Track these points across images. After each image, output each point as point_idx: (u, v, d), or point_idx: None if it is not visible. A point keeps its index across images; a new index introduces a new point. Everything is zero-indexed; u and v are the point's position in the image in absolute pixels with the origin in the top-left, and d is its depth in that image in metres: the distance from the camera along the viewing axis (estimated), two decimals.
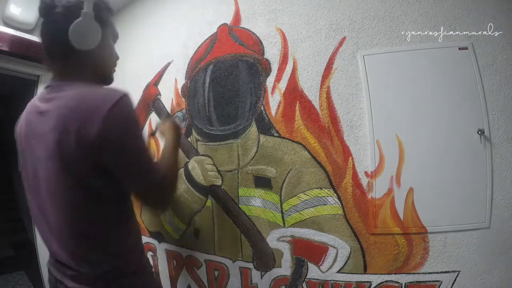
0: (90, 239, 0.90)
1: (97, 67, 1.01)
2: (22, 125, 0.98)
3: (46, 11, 0.92)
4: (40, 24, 0.95)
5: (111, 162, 0.84)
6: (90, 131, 0.77)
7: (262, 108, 1.52)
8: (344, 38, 1.38)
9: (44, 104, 0.90)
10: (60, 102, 0.85)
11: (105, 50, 1.03)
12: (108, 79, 1.08)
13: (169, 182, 1.03)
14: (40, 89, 2.40)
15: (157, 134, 1.47)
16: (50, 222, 0.91)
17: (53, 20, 0.91)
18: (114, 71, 1.12)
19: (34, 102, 0.96)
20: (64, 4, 0.90)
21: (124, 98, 0.84)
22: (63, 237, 0.90)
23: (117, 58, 1.12)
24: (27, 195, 0.99)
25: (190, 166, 1.75)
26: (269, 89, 1.52)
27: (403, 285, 1.17)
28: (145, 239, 1.97)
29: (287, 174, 1.41)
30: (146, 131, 2.04)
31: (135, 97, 2.21)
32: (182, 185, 1.77)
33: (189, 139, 1.79)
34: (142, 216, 2.03)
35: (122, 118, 0.83)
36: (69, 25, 0.87)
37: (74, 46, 0.89)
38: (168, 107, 1.96)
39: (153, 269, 1.13)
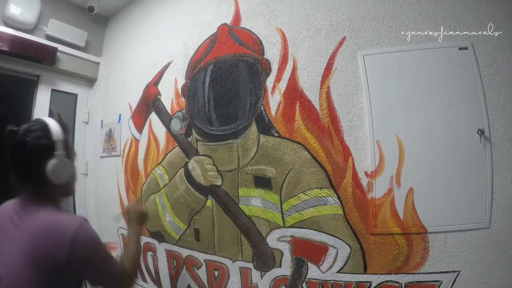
0: None
1: (65, 188, 1.10)
2: None
3: (17, 145, 0.98)
4: (10, 153, 1.00)
5: (84, 274, 0.99)
6: (62, 254, 0.89)
7: (262, 108, 1.52)
8: (344, 38, 1.38)
9: (18, 219, 0.98)
10: (32, 225, 0.94)
11: (73, 173, 1.12)
12: (71, 193, 1.19)
13: (133, 272, 1.21)
14: (40, 89, 2.41)
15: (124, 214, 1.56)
16: None
17: (28, 156, 0.98)
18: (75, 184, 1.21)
19: (8, 210, 1.03)
20: (35, 143, 0.97)
21: (83, 223, 0.96)
22: None
23: (76, 175, 1.20)
24: None
25: (190, 166, 1.75)
26: (269, 89, 1.52)
27: (403, 285, 1.17)
28: (145, 239, 1.97)
29: (287, 174, 1.41)
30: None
31: (135, 97, 2.22)
32: (182, 185, 1.77)
33: (189, 139, 1.79)
34: None
35: (85, 240, 0.94)
36: (43, 163, 0.98)
37: (51, 181, 0.99)
38: (168, 107, 1.96)
39: None
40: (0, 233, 0.99)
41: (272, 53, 1.54)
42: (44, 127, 1.01)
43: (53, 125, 1.02)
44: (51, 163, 0.99)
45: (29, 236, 0.92)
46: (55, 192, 1.06)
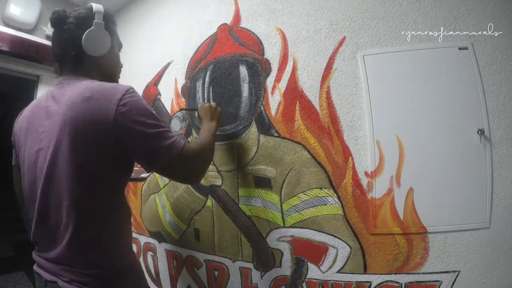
0: (88, 230, 0.91)
1: (105, 73, 1.09)
2: (24, 119, 1.05)
3: (58, 21, 1.03)
4: (52, 34, 1.06)
5: (130, 144, 0.90)
6: (107, 119, 0.85)
7: (262, 108, 1.52)
8: (344, 38, 1.38)
9: (57, 91, 0.98)
10: (72, 93, 0.92)
11: (113, 57, 1.14)
12: (115, 78, 1.18)
13: (201, 157, 1.06)
14: (40, 89, 2.41)
15: (196, 116, 1.49)
16: (49, 213, 0.93)
17: (66, 30, 1.01)
18: (119, 77, 1.22)
19: (42, 97, 1.04)
20: (75, 15, 1.04)
21: (131, 89, 0.92)
22: (60, 229, 0.91)
23: (121, 66, 1.23)
24: (25, 188, 1.02)
25: None
26: (269, 89, 1.52)
27: (403, 285, 1.17)
28: (145, 239, 1.97)
29: (287, 174, 1.41)
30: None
31: None
32: (182, 185, 1.77)
33: (189, 139, 1.79)
34: (142, 217, 2.03)
35: (133, 105, 0.89)
36: (80, 34, 1.00)
37: (86, 52, 1.01)
38: (168, 107, 1.96)
39: (143, 273, 1.15)
40: (39, 112, 0.99)
41: (272, 53, 1.54)
42: (86, 7, 1.08)
43: (97, 4, 1.07)
44: (88, 31, 1.01)
45: (70, 104, 0.88)
46: (98, 73, 1.05)
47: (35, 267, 1.02)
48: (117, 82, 1.17)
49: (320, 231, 1.32)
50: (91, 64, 1.04)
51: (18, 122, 1.08)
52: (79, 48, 1.00)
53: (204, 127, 1.32)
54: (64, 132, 0.87)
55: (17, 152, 1.09)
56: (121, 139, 0.88)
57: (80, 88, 0.92)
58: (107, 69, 1.11)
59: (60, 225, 0.90)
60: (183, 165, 0.98)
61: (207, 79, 1.73)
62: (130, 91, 0.91)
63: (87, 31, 1.00)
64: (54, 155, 0.89)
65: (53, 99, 0.97)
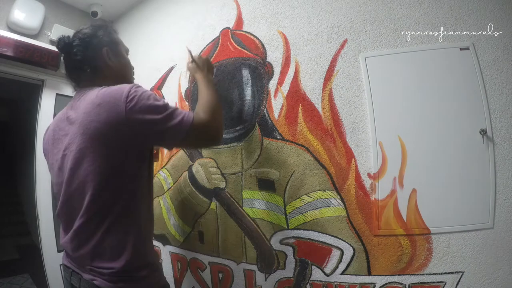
0: (110, 223, 0.99)
1: (120, 78, 1.19)
2: (50, 132, 1.17)
3: (66, 48, 1.13)
4: (63, 59, 1.17)
5: (146, 132, 0.99)
6: (120, 112, 0.94)
7: (265, 111, 1.53)
8: (345, 41, 1.39)
9: (75, 102, 1.09)
10: (85, 102, 1.02)
11: (124, 63, 1.26)
12: (129, 80, 1.28)
13: (213, 118, 1.12)
14: (45, 93, 2.43)
15: (189, 67, 1.49)
16: (75, 208, 1.02)
17: (77, 53, 1.11)
18: (134, 78, 1.34)
19: (63, 110, 1.16)
20: (80, 37, 1.13)
21: (134, 85, 1.02)
22: (85, 228, 1.00)
23: (133, 68, 1.34)
24: (55, 193, 1.13)
25: (194, 169, 1.76)
26: (272, 92, 1.53)
27: (407, 286, 1.17)
28: None
29: (291, 177, 1.42)
30: None
31: None
32: (187, 188, 1.78)
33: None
34: None
35: (139, 97, 0.98)
36: (91, 53, 1.12)
37: (101, 66, 1.14)
38: None
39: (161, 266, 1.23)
40: (61, 124, 1.10)
41: (274, 56, 1.55)
42: (88, 26, 1.18)
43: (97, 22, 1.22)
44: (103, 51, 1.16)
45: (85, 112, 0.99)
46: (112, 77, 1.16)
47: (63, 260, 1.14)
48: (132, 81, 1.28)
49: (323, 233, 1.32)
50: (105, 75, 1.15)
51: (46, 136, 1.20)
52: (94, 65, 1.13)
53: (204, 81, 1.34)
54: (84, 136, 0.97)
55: (48, 162, 1.19)
56: (137, 131, 0.97)
57: (92, 96, 1.01)
58: (120, 75, 1.21)
59: (77, 216, 1.00)
60: (199, 134, 1.06)
61: None
62: (134, 87, 1.01)
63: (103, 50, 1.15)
64: (78, 156, 0.98)
65: (72, 108, 1.08)
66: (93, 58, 1.13)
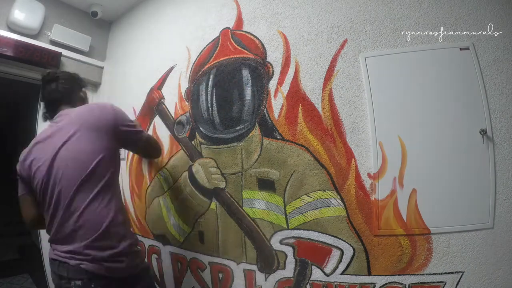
0: (100, 216, 1.19)
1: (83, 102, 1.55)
2: (27, 153, 1.31)
3: (51, 80, 1.42)
4: (44, 91, 1.43)
5: (123, 134, 1.37)
6: (109, 117, 1.32)
7: (265, 111, 1.53)
8: (345, 41, 1.39)
9: (58, 118, 1.33)
10: (76, 111, 1.33)
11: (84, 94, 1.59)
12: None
13: (153, 140, 1.76)
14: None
15: None
16: (70, 207, 1.18)
17: (59, 88, 1.41)
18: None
19: (40, 133, 1.36)
20: (62, 76, 1.45)
21: (113, 104, 1.43)
22: (80, 220, 1.17)
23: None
24: (43, 201, 1.25)
25: (194, 169, 1.76)
26: (272, 92, 1.53)
27: (407, 286, 1.17)
28: (149, 241, 1.98)
29: (291, 177, 1.42)
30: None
31: (139, 101, 2.23)
32: (187, 188, 1.78)
33: (193, 142, 1.80)
34: (147, 220, 2.05)
35: (119, 113, 1.40)
36: (70, 89, 1.45)
37: (76, 100, 1.47)
38: (172, 111, 1.97)
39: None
40: (43, 135, 1.31)
41: (274, 56, 1.55)
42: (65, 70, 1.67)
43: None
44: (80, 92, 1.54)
45: (79, 114, 1.30)
46: (80, 102, 1.48)
47: (49, 254, 1.24)
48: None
49: (323, 233, 1.32)
50: (76, 101, 1.47)
51: (21, 158, 1.32)
52: (72, 98, 1.44)
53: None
54: (80, 126, 1.24)
55: (27, 180, 1.30)
56: (116, 132, 1.33)
57: (80, 108, 1.35)
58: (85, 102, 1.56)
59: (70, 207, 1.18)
60: (148, 145, 1.66)
61: (210, 82, 1.74)
62: (114, 105, 1.41)
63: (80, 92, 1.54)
64: (75, 140, 1.23)
65: (56, 122, 1.31)
66: (70, 92, 1.45)
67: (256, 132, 1.54)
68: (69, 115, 1.30)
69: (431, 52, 1.25)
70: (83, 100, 1.53)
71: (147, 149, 1.70)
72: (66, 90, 1.42)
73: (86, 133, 1.24)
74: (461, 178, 1.16)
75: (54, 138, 1.24)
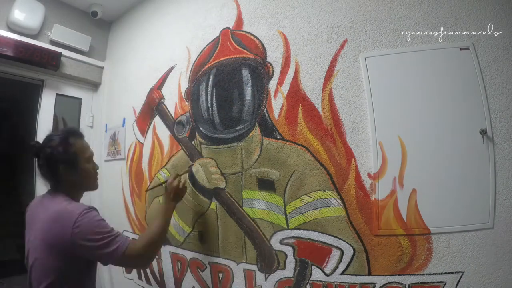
0: None
1: (82, 187, 1.35)
2: (31, 209, 1.30)
3: (38, 152, 1.25)
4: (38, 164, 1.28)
5: (85, 254, 1.14)
6: (67, 237, 1.09)
7: (265, 111, 1.53)
8: (345, 41, 1.39)
9: (42, 209, 1.22)
10: (47, 213, 1.16)
11: (85, 174, 1.32)
12: (92, 187, 1.41)
13: (146, 250, 1.26)
14: (44, 93, 2.44)
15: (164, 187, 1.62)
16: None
17: (40, 167, 1.25)
18: (97, 179, 1.42)
19: (38, 202, 1.30)
20: (41, 156, 1.23)
21: (84, 211, 1.15)
22: None
23: (97, 168, 1.42)
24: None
25: (194, 169, 1.76)
26: (272, 92, 1.53)
27: (407, 286, 1.17)
28: None
29: (291, 177, 1.42)
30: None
31: (139, 101, 2.24)
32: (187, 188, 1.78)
33: (193, 142, 1.80)
34: (147, 219, 2.05)
35: (85, 225, 1.11)
36: (48, 170, 1.24)
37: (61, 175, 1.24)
38: (172, 111, 1.97)
39: None
40: (33, 221, 1.24)
41: (274, 56, 1.55)
42: (52, 141, 1.25)
43: (58, 139, 1.26)
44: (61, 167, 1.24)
45: (44, 222, 1.15)
46: (76, 185, 1.30)
47: None
48: (94, 188, 1.41)
49: (323, 233, 1.32)
50: (66, 186, 1.26)
51: (28, 210, 1.32)
52: (54, 180, 1.25)
53: (163, 208, 1.48)
54: (41, 241, 1.13)
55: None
56: (78, 252, 1.11)
57: (54, 208, 1.17)
58: (80, 185, 1.33)
59: None
60: (128, 262, 1.30)
61: (210, 82, 1.74)
62: (83, 213, 1.13)
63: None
64: (35, 253, 1.15)
65: (44, 204, 1.23)
66: (51, 175, 1.25)
67: (256, 132, 1.54)
68: (44, 213, 1.18)
69: (431, 52, 1.25)
70: (65, 181, 1.26)
71: (128, 265, 1.59)
72: (46, 171, 1.25)
73: (43, 246, 1.13)
74: (461, 178, 1.16)
75: (36, 225, 1.20)
